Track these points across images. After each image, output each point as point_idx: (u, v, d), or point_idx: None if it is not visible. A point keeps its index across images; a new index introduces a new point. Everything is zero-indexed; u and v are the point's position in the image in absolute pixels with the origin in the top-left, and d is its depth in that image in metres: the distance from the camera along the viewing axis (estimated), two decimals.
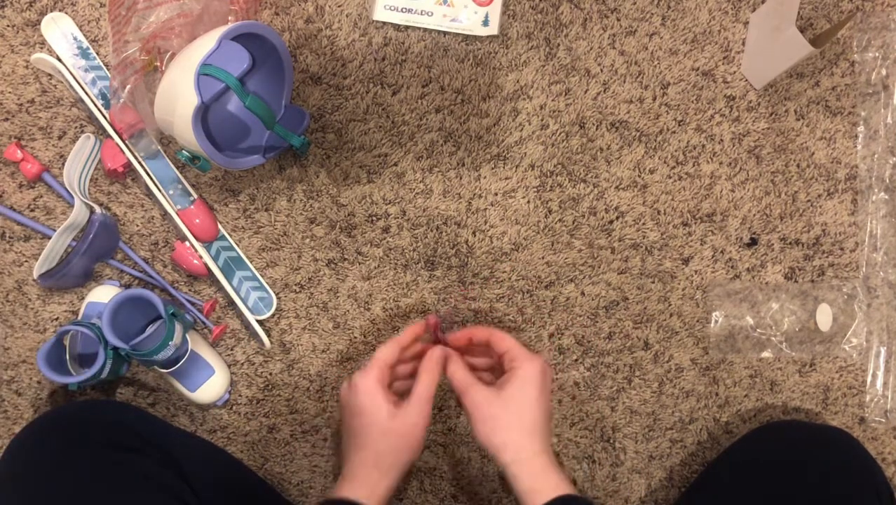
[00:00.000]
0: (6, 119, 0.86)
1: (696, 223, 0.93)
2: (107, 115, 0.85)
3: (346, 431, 0.76)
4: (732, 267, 0.93)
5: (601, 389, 0.93)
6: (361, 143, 0.90)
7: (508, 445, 0.73)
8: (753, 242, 0.93)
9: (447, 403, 0.91)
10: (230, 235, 0.89)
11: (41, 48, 0.86)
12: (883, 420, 0.94)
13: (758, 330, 0.93)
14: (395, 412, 0.73)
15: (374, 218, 0.90)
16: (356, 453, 0.73)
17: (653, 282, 0.92)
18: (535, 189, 0.92)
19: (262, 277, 0.89)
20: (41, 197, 0.87)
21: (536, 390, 0.74)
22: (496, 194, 0.91)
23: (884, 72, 0.94)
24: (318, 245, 0.90)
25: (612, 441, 0.93)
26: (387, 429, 0.73)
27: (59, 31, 0.86)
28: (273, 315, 0.90)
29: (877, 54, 0.94)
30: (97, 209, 0.86)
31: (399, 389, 0.80)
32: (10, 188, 0.87)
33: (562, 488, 0.71)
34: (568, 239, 0.92)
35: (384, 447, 0.73)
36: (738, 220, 0.93)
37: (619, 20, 0.92)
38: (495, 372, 0.81)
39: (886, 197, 0.94)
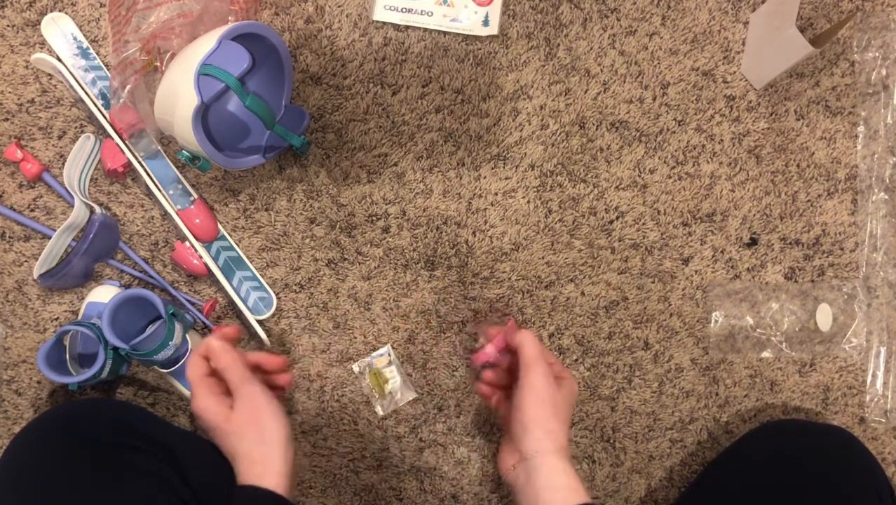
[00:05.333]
0: (6, 119, 0.86)
1: (696, 223, 0.93)
2: (107, 115, 0.85)
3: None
4: (732, 267, 0.93)
5: (601, 389, 0.93)
6: (361, 143, 0.90)
7: (559, 435, 0.73)
8: (753, 242, 0.93)
9: (446, 403, 0.91)
10: (230, 235, 0.89)
11: (41, 48, 0.86)
12: (883, 420, 0.94)
13: (758, 330, 0.93)
14: (229, 414, 0.71)
15: (374, 218, 0.90)
16: (234, 462, 0.71)
17: (653, 282, 0.92)
18: (535, 189, 0.92)
19: (262, 276, 0.89)
20: (41, 197, 0.87)
21: (571, 397, 0.78)
22: (496, 194, 0.91)
23: (884, 72, 0.94)
24: (318, 245, 0.90)
25: (612, 441, 0.93)
26: (235, 430, 0.71)
27: (59, 31, 0.86)
28: (273, 315, 0.90)
29: (877, 54, 0.94)
30: (97, 209, 0.86)
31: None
32: (10, 188, 0.87)
33: (589, 497, 0.71)
34: (568, 239, 0.92)
35: (246, 448, 0.70)
36: (738, 220, 0.93)
37: (619, 20, 0.92)
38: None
39: (886, 197, 0.94)
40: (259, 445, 0.70)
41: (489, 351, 0.81)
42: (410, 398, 0.91)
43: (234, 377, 0.72)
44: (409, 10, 0.88)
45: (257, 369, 0.77)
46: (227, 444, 0.72)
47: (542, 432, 0.72)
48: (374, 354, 0.90)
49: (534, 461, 0.72)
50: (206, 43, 0.72)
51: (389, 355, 0.90)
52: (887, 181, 0.94)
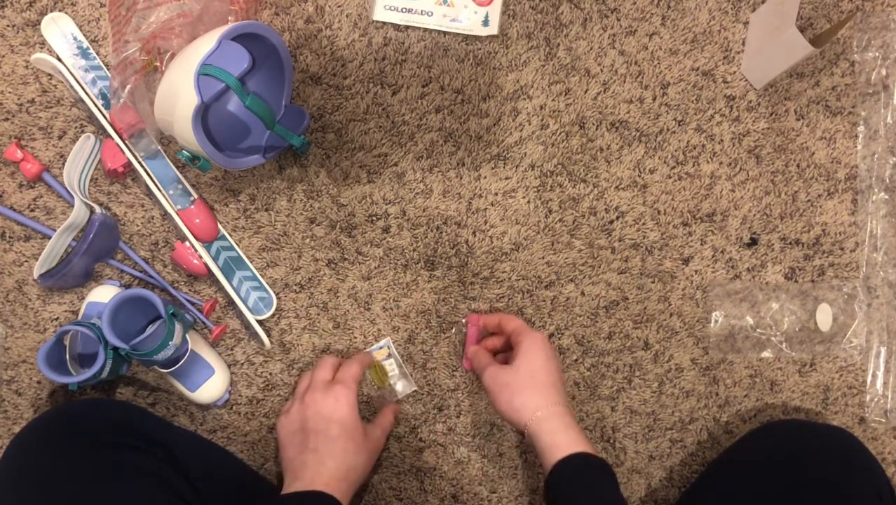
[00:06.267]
0: (6, 119, 0.86)
1: (696, 223, 0.93)
2: (107, 115, 0.85)
3: (320, 438, 0.78)
4: (732, 267, 0.93)
5: (601, 389, 0.93)
6: (361, 143, 0.90)
7: (526, 405, 0.78)
8: (753, 242, 0.93)
9: (446, 403, 0.91)
10: (230, 235, 0.89)
11: (41, 48, 0.86)
12: (883, 420, 0.94)
13: (758, 330, 0.93)
14: (364, 431, 0.81)
15: (374, 218, 0.90)
16: (329, 461, 0.77)
17: (653, 282, 0.92)
18: (535, 189, 0.92)
19: (262, 276, 0.89)
20: (41, 197, 0.87)
21: (542, 356, 0.80)
22: (496, 194, 0.91)
23: (884, 72, 0.94)
24: (318, 245, 0.90)
25: (612, 441, 0.93)
26: (362, 445, 0.79)
27: (59, 31, 0.86)
28: (273, 315, 0.90)
29: (877, 54, 0.94)
30: (97, 209, 0.86)
31: None
32: (10, 188, 0.87)
33: (579, 445, 0.74)
34: (568, 239, 0.92)
35: (358, 462, 0.79)
36: (738, 220, 0.93)
37: (619, 20, 0.92)
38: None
39: (886, 197, 0.94)
40: (355, 473, 0.78)
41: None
42: (410, 391, 0.91)
43: (389, 421, 0.87)
44: (409, 10, 0.88)
45: None
46: (337, 445, 0.78)
47: (514, 414, 0.78)
48: (373, 347, 0.90)
49: (527, 438, 0.78)
50: (206, 43, 0.72)
51: (389, 348, 0.90)
52: (887, 181, 0.94)
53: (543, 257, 0.92)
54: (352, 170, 0.90)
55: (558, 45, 0.92)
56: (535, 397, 0.78)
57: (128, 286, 0.88)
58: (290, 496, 0.74)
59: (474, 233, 0.91)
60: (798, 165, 0.94)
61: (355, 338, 0.91)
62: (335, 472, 0.76)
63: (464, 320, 0.91)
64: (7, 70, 0.86)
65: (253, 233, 0.90)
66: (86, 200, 0.85)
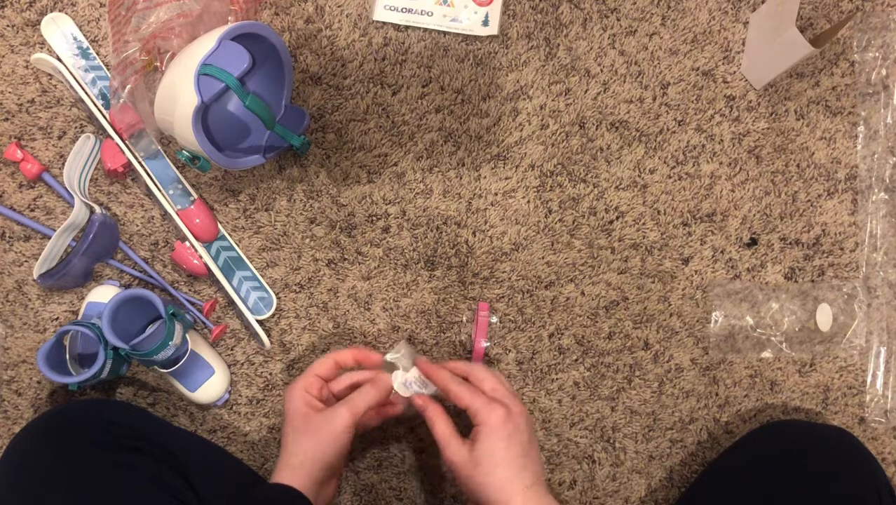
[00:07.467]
0: (6, 119, 0.86)
1: (696, 223, 0.93)
2: (107, 115, 0.85)
3: (282, 432, 0.78)
4: (732, 267, 0.93)
5: (601, 389, 0.93)
6: (361, 143, 0.90)
7: (500, 497, 0.71)
8: (753, 242, 0.93)
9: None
10: (230, 235, 0.89)
11: (41, 48, 0.86)
12: (883, 420, 0.94)
13: (758, 330, 0.93)
14: (310, 415, 0.75)
15: (374, 218, 0.90)
16: (282, 451, 0.76)
17: (653, 282, 0.92)
18: (535, 189, 0.92)
19: (262, 276, 0.89)
20: (41, 197, 0.87)
21: (503, 441, 0.72)
22: (496, 194, 0.91)
23: (884, 72, 0.94)
24: (318, 245, 0.90)
25: (612, 441, 0.93)
26: (298, 428, 0.75)
27: (59, 31, 0.86)
28: (273, 315, 0.90)
29: (877, 54, 0.94)
30: (97, 209, 0.86)
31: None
32: (10, 188, 0.87)
33: None
34: (568, 239, 0.92)
35: (298, 448, 0.74)
36: (738, 220, 0.93)
37: (619, 20, 0.92)
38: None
39: (886, 197, 0.94)
40: (294, 458, 0.74)
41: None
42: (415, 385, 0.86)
43: (357, 399, 0.76)
44: (409, 10, 0.88)
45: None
46: (284, 437, 0.76)
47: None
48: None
49: None
50: (206, 43, 0.72)
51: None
52: (887, 181, 0.94)
53: (543, 257, 0.92)
54: (352, 170, 0.90)
55: (558, 45, 0.92)
56: (495, 495, 0.71)
57: (128, 286, 0.88)
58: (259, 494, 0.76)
59: (474, 233, 0.91)
60: (798, 165, 0.94)
61: (355, 338, 0.91)
62: (286, 461, 0.75)
63: (473, 308, 0.90)
64: (7, 70, 0.86)
65: (253, 233, 0.90)
66: (86, 200, 0.85)
